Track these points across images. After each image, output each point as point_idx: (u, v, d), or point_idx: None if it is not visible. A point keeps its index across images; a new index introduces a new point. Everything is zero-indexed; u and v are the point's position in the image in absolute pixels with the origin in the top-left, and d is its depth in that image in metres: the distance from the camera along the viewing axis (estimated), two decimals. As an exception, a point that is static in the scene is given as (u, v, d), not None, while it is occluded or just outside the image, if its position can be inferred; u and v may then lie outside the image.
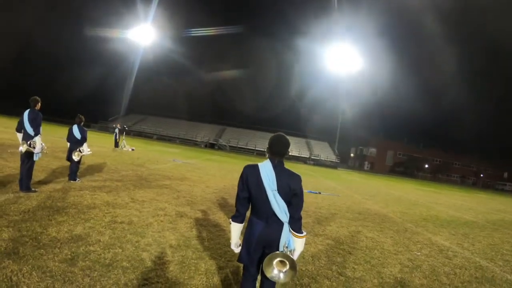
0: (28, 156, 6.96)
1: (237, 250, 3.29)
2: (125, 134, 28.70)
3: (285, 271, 2.90)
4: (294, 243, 3.13)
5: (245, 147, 65.90)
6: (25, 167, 7.01)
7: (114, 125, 26.15)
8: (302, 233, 3.14)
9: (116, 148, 24.58)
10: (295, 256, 3.08)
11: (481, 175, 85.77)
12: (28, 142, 6.86)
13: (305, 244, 6.15)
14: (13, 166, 9.32)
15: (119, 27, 68.16)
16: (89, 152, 9.63)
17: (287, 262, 2.89)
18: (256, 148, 63.54)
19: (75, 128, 9.33)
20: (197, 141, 66.02)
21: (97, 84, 72.53)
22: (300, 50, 73.03)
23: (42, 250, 4.15)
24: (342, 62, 66.62)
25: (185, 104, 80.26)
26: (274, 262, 2.90)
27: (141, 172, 12.73)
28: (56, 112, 58.10)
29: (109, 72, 74.24)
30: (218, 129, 75.85)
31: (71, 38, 73.17)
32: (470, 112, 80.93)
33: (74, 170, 9.07)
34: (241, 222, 3.27)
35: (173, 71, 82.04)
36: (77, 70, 73.58)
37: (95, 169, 11.82)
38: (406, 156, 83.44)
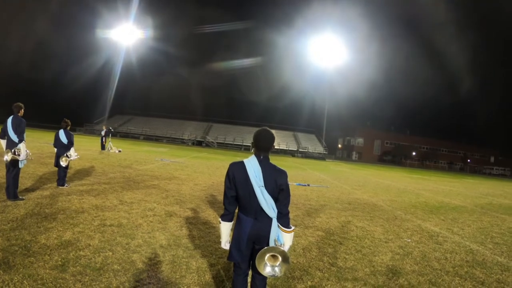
0: (13, 164, 6.87)
1: (227, 248, 3.29)
2: (112, 136, 28.46)
3: (278, 265, 2.91)
4: (283, 238, 3.13)
5: (233, 143, 65.66)
6: (11, 175, 6.91)
7: (100, 128, 25.87)
8: (290, 227, 3.14)
9: (103, 151, 24.36)
10: (285, 249, 3.05)
11: (468, 160, 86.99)
12: (13, 150, 6.76)
13: (296, 237, 6.27)
14: (-1, 175, 9.18)
15: (101, 27, 67.25)
16: (76, 157, 9.53)
17: (279, 256, 2.90)
18: (244, 144, 63.38)
19: (62, 133, 9.24)
20: (184, 139, 65.63)
21: (80, 87, 71.40)
22: (284, 43, 72.95)
23: (32, 258, 4.13)
24: (326, 53, 66.63)
25: (171, 102, 79.98)
26: (266, 257, 2.90)
27: (129, 174, 12.67)
28: (38, 116, 57.15)
29: (92, 74, 73.22)
30: (204, 126, 75.49)
31: (51, 39, 71.75)
32: (454, 97, 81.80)
33: (62, 176, 8.97)
34: (231, 221, 3.26)
35: (156, 70, 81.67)
36: (60, 73, 72.55)
37: (83, 173, 11.70)
38: (393, 145, 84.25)
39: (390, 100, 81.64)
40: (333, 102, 74.28)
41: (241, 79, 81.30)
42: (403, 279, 4.80)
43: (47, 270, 3.87)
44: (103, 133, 25.99)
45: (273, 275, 2.94)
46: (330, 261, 5.26)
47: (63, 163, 8.85)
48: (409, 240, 6.99)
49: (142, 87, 78.98)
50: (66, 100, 68.74)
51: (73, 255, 4.37)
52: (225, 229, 3.28)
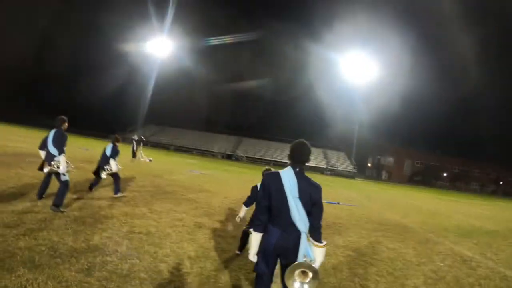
0: (57, 177, 6.82)
1: (255, 260, 3.19)
2: (143, 145, 28.90)
3: (308, 282, 2.82)
4: (314, 253, 3.05)
5: (262, 157, 65.61)
6: (62, 185, 6.81)
7: (132, 136, 26.27)
8: (322, 242, 3.08)
9: (134, 159, 24.60)
10: (316, 265, 2.99)
11: (501, 183, 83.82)
12: (52, 163, 6.68)
13: (326, 255, 6.00)
14: (31, 175, 9.34)
15: (136, 40, 69.29)
16: (118, 168, 9.57)
17: (309, 272, 2.82)
18: (273, 159, 63.03)
19: (109, 147, 9.39)
20: (214, 152, 66.14)
21: (114, 96, 73.51)
22: (316, 58, 72.61)
23: (58, 259, 4.09)
24: (356, 70, 66.27)
25: (202, 115, 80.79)
26: (296, 273, 2.81)
27: (159, 183, 12.70)
28: (74, 122, 59.14)
29: (126, 84, 75.23)
30: (234, 140, 75.92)
31: (87, 50, 74.40)
32: (488, 118, 79.05)
33: (117, 184, 9.25)
34: (263, 231, 3.17)
35: (189, 82, 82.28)
36: (95, 82, 74.82)
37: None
38: (423, 165, 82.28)
39: (422, 118, 79.56)
40: (364, 119, 73.57)
41: (273, 95, 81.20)
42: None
43: (73, 273, 3.81)
44: (134, 142, 26.19)
45: None
46: (361, 282, 5.06)
47: (103, 175, 9.03)
48: (442, 264, 6.68)
49: (174, 99, 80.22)
50: (100, 108, 70.79)
51: (99, 259, 4.31)
52: (256, 240, 3.19)
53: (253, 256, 3.22)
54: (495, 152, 77.61)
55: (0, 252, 4.07)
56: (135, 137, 26.46)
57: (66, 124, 7.17)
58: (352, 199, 17.99)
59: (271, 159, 63.41)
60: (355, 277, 5.28)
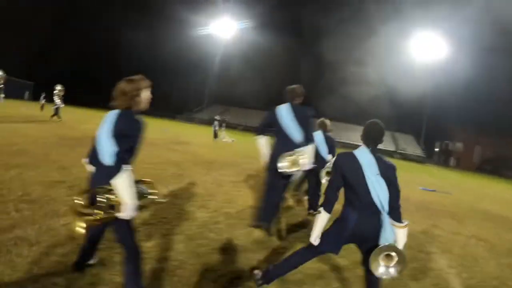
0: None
1: (316, 243, 3.21)
2: (225, 126, 30.36)
3: (394, 265, 2.87)
4: (396, 235, 3.01)
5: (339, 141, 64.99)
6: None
7: (214, 117, 27.74)
8: (403, 222, 3.03)
9: (216, 139, 25.69)
10: (400, 247, 2.99)
11: None
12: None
13: (465, 246, 6.61)
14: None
15: (200, 20, 72.04)
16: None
17: (395, 256, 2.87)
18: (344, 141, 62.00)
19: (320, 137, 6.59)
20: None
21: (180, 77, 76.31)
22: (384, 37, 70.65)
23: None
24: (427, 49, 64.17)
25: (267, 94, 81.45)
26: (380, 257, 2.86)
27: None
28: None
29: (192, 65, 77.81)
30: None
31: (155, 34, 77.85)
32: None
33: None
34: (330, 212, 3.18)
35: (252, 60, 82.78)
36: (163, 66, 77.85)
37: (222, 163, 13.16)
38: (495, 153, 78.40)
39: (496, 102, 75.29)
40: (433, 102, 71.49)
41: (342, 75, 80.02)
42: None
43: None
44: (217, 122, 27.07)
45: (387, 276, 2.91)
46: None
47: (324, 179, 6.41)
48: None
49: (238, 78, 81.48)
50: (167, 90, 73.65)
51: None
52: (322, 220, 3.18)
53: (314, 239, 3.20)
54: None
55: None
56: (218, 118, 27.48)
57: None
58: (438, 187, 17.29)
59: (339, 140, 63.02)
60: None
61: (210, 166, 11.69)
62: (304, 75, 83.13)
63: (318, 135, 6.57)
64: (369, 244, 2.99)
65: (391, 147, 64.48)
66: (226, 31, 74.28)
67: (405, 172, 24.05)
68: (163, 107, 65.94)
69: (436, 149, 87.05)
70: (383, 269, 2.85)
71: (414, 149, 66.35)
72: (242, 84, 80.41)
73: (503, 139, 76.81)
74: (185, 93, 79.54)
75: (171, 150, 14.35)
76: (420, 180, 19.96)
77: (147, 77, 2.96)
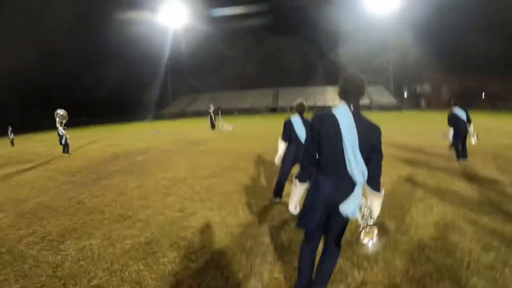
0: None
1: (295, 213, 3.11)
2: (220, 114, 29.04)
3: (376, 235, 2.72)
4: (372, 204, 2.81)
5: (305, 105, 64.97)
6: None
7: (208, 109, 27.19)
8: (381, 191, 2.80)
9: (213, 129, 25.32)
10: (374, 217, 2.82)
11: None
12: None
13: None
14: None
15: (147, 9, 69.65)
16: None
17: (375, 228, 2.74)
18: (316, 105, 62.22)
19: (297, 121, 6.05)
20: (256, 108, 67.31)
21: (131, 78, 73.00)
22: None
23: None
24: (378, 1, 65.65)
25: (230, 74, 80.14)
26: (363, 232, 2.74)
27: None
28: (87, 110, 58.25)
29: (145, 61, 74.68)
30: (272, 93, 76.45)
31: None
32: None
33: None
34: (306, 181, 3.05)
35: (211, 42, 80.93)
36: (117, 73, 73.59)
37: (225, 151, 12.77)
38: (462, 88, 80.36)
39: (454, 39, 76.39)
40: (395, 50, 72.41)
41: (302, 40, 79.81)
42: None
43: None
44: (211, 112, 26.44)
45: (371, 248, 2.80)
46: None
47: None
48: None
49: (198, 65, 79.96)
50: (129, 92, 71.65)
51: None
52: (299, 191, 3.07)
53: (293, 208, 3.13)
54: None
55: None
56: (211, 108, 26.81)
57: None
58: (441, 131, 16.40)
59: (314, 105, 63.48)
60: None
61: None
62: (267, 50, 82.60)
63: (296, 119, 6.08)
64: (339, 214, 2.75)
65: (366, 101, 65.31)
66: (176, 19, 73.20)
67: (403, 121, 23.98)
68: (131, 111, 64.57)
69: (406, 95, 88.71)
70: (371, 242, 2.68)
71: (387, 98, 67.33)
72: (203, 70, 79.52)
73: (466, 73, 78.94)
74: (146, 92, 76.59)
75: (204, 154, 13.43)
76: (427, 128, 20.13)
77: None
